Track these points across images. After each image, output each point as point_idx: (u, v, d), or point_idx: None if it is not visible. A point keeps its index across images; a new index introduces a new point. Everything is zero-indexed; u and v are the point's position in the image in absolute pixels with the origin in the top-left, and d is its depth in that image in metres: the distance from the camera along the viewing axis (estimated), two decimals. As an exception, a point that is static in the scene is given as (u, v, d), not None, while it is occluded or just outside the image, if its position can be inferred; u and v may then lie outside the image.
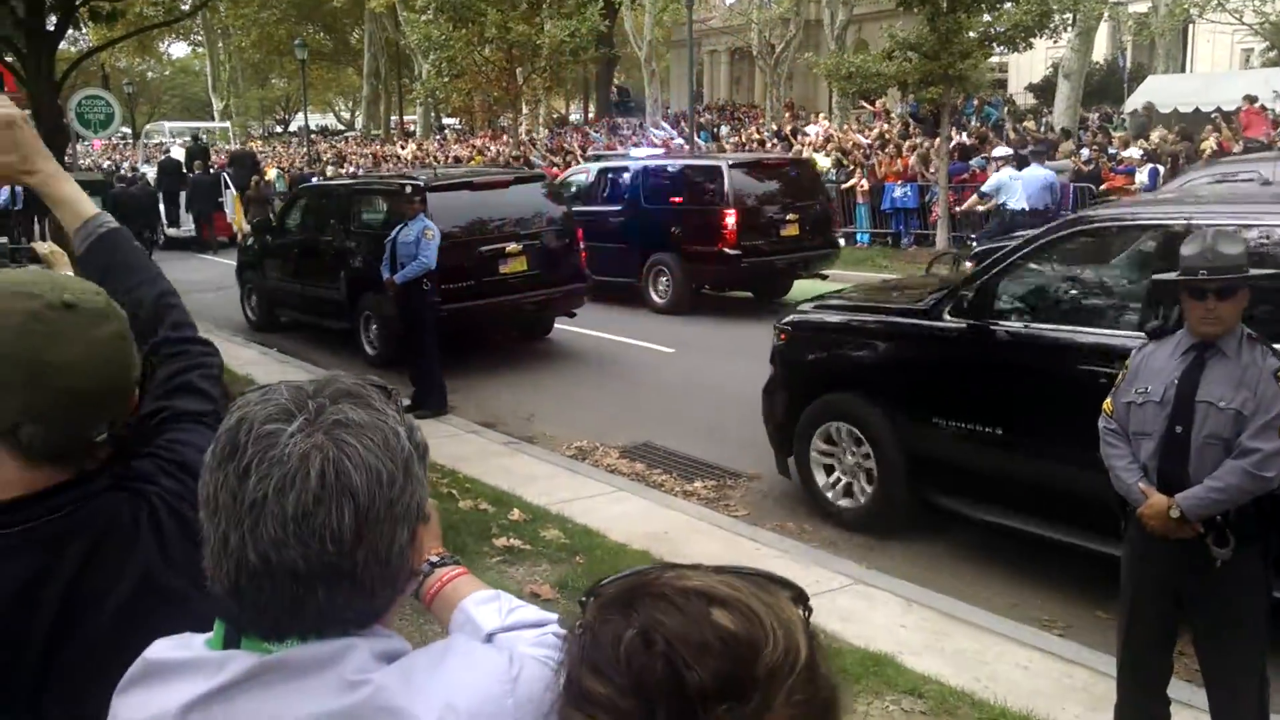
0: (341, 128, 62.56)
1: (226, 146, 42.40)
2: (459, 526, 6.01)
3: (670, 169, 14.38)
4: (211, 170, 24.99)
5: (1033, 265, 5.73)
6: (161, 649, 1.11)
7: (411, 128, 48.12)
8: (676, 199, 13.66)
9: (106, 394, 1.37)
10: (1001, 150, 16.20)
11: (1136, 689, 3.75)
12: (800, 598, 0.89)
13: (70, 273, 4.66)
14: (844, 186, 19.35)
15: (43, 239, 17.04)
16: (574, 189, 14.91)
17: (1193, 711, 3.89)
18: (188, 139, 32.17)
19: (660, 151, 21.53)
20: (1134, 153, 16.93)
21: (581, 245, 11.90)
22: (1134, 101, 24.26)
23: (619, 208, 14.25)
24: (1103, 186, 16.15)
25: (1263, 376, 3.39)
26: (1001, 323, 5.55)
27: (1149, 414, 3.55)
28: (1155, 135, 18.98)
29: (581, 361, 11.41)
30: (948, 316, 5.77)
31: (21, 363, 1.28)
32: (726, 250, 13.00)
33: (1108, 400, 3.75)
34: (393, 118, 53.11)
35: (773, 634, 0.81)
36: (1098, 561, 4.94)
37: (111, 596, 1.34)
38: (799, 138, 23.94)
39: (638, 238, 13.81)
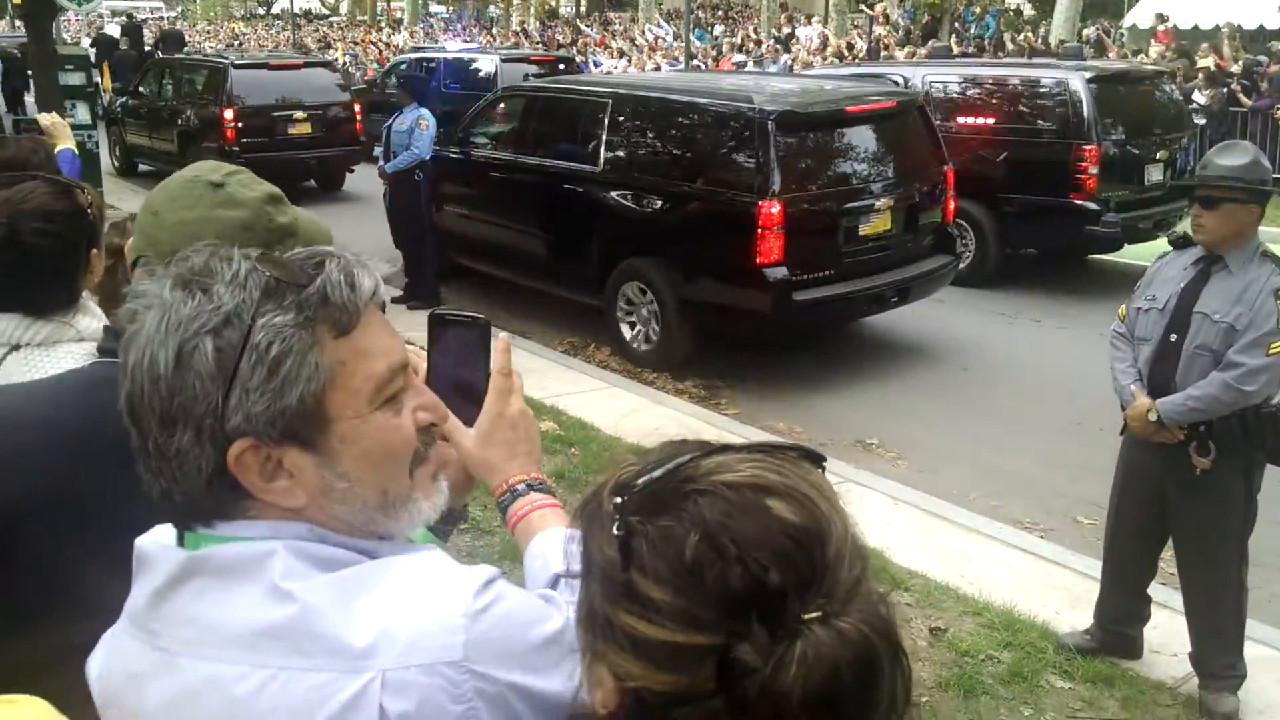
0: (326, 12, 60.91)
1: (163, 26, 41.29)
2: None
3: (462, 61, 16.89)
4: (147, 49, 24.68)
5: (487, 115, 9.62)
6: (145, 538, 1.06)
7: (399, 14, 46.95)
8: (465, 87, 15.61)
9: None
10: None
11: (1118, 585, 3.92)
12: (817, 459, 0.86)
13: (72, 144, 4.63)
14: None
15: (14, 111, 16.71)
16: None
17: (1168, 612, 4.05)
18: (123, 18, 31.68)
19: (474, 46, 24.57)
20: (1132, 68, 16.77)
21: (359, 117, 14.92)
22: (1134, 16, 23.93)
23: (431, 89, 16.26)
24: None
25: (1262, 293, 3.46)
26: (473, 150, 9.35)
27: (1151, 320, 3.64)
28: (1154, 51, 18.78)
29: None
30: (452, 148, 9.43)
31: (148, 208, 1.49)
32: None
33: (1123, 307, 3.84)
34: (379, 4, 51.74)
35: (828, 516, 0.79)
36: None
37: None
38: (794, 43, 23.53)
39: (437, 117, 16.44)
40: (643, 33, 29.61)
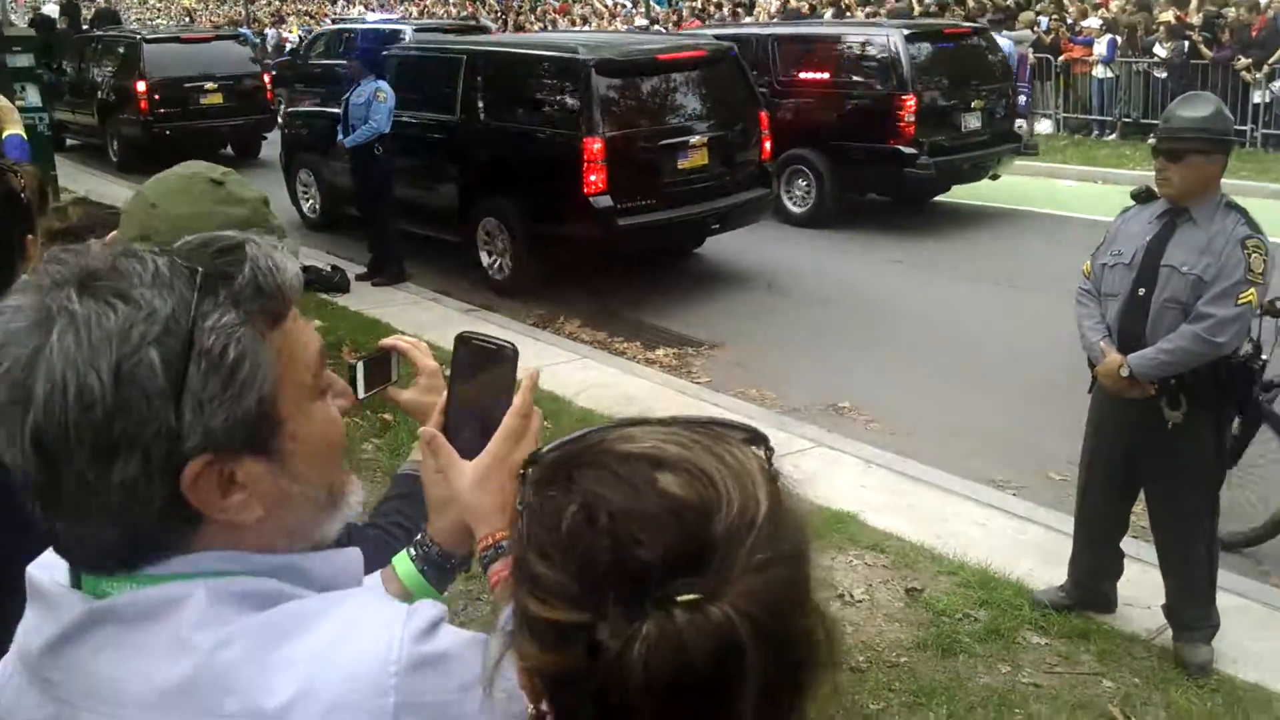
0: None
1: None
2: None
3: (378, 31, 17.03)
4: (84, 28, 24.39)
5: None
6: (39, 569, 0.95)
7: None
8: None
9: None
10: None
11: (1091, 541, 3.94)
12: (756, 439, 0.80)
13: (20, 129, 4.51)
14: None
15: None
16: (323, 46, 18.45)
17: (1141, 565, 4.08)
18: None
19: (394, 16, 25.28)
20: (1092, 23, 16.79)
21: (269, 88, 16.00)
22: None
23: (345, 61, 17.76)
24: (1061, 58, 16.06)
25: (1229, 244, 3.46)
26: None
27: (1118, 276, 3.64)
28: (1114, 5, 18.81)
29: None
30: (335, 107, 9.63)
31: (144, 200, 1.55)
32: None
33: (1086, 263, 3.82)
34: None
35: (726, 493, 0.72)
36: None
37: None
38: (756, 9, 23.35)
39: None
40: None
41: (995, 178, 11.30)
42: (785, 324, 7.84)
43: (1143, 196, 3.74)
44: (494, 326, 7.71)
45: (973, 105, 10.82)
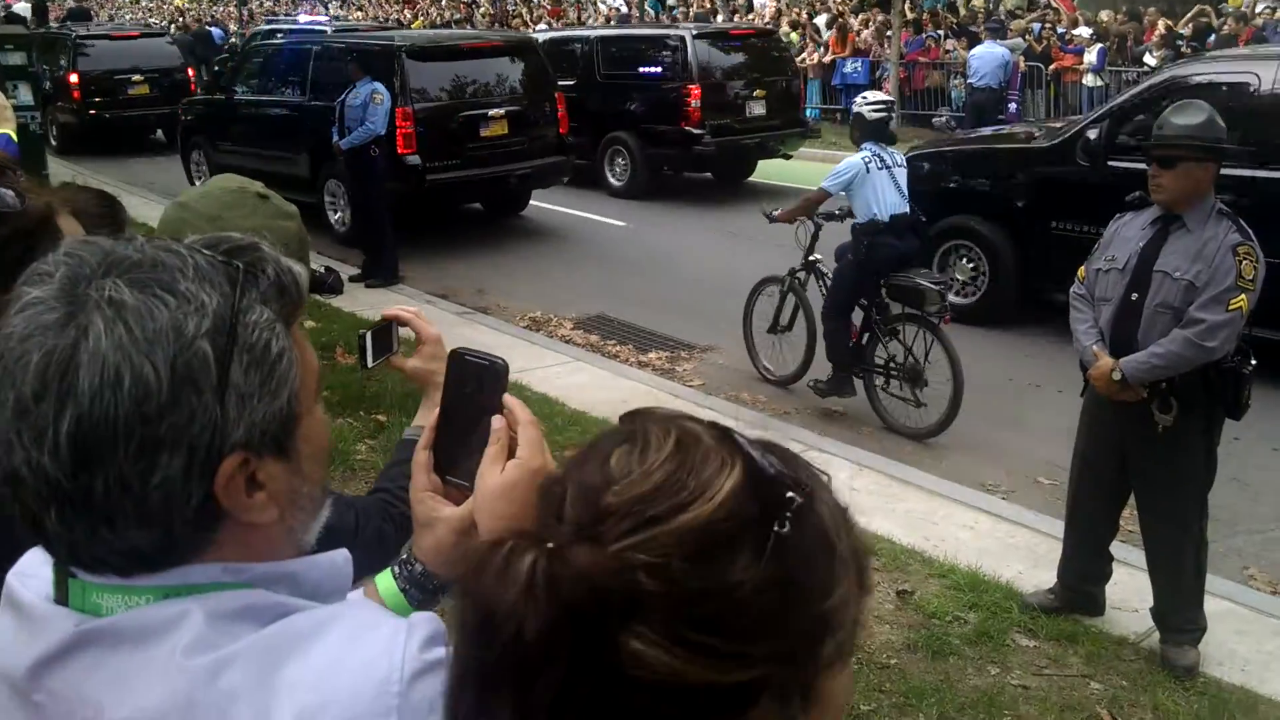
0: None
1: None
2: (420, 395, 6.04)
3: (305, 31, 18.14)
4: (54, 26, 24.61)
5: (243, 66, 12.53)
6: (18, 577, 0.91)
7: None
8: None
9: None
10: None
11: (1081, 544, 3.97)
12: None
13: (12, 128, 4.50)
14: (797, 60, 19.05)
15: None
16: (270, 47, 19.96)
17: (1129, 568, 4.11)
18: None
19: (323, 19, 26.51)
20: (1083, 32, 16.87)
21: (193, 79, 17.85)
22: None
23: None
24: (1052, 66, 16.14)
25: (1221, 249, 3.49)
26: (237, 94, 12.10)
27: (1112, 281, 3.67)
28: (1104, 14, 18.92)
29: (534, 235, 11.33)
30: (218, 94, 12.69)
31: (203, 214, 1.66)
32: None
33: (1081, 268, 3.86)
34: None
35: (612, 449, 0.75)
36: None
37: None
38: (752, 14, 23.40)
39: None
40: (595, 3, 29.35)
41: (787, 157, 13.46)
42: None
43: (1137, 203, 3.77)
44: (487, 329, 7.73)
45: (756, 94, 12.80)
